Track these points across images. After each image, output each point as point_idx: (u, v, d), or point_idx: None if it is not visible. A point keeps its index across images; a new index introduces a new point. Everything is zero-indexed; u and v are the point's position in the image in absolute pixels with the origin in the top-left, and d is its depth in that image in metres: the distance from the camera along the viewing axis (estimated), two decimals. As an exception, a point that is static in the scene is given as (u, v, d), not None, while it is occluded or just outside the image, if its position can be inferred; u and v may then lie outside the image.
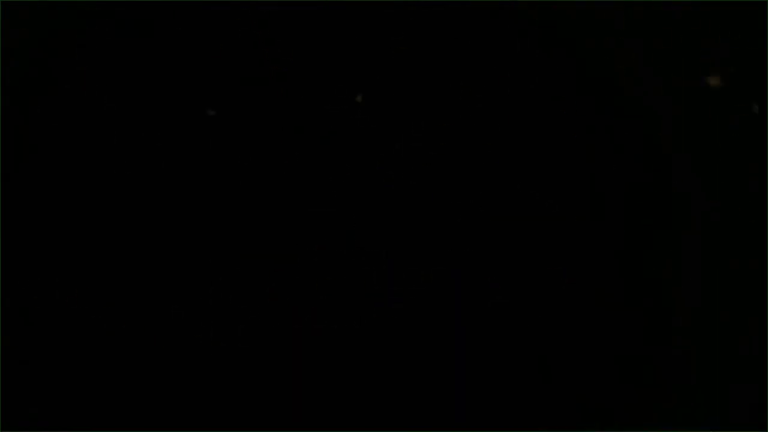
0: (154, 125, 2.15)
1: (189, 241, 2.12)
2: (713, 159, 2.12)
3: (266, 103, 2.17)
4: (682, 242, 2.12)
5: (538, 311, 2.11)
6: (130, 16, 2.16)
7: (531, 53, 2.19)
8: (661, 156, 2.15)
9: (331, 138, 2.16)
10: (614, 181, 2.15)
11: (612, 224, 2.14)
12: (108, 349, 2.07)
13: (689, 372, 2.07)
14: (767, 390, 2.02)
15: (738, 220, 2.10)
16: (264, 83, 2.18)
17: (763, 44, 2.12)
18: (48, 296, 2.08)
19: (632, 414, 2.07)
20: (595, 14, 2.16)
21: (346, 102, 2.17)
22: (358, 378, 2.09)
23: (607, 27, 2.17)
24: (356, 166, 2.16)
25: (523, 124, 2.17)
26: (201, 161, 2.15)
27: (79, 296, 2.09)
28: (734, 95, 2.13)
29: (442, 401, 2.09)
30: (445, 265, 2.13)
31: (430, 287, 2.12)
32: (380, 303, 2.11)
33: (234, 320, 2.10)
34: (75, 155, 2.13)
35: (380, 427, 2.07)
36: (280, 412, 2.07)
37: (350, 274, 2.12)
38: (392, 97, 2.18)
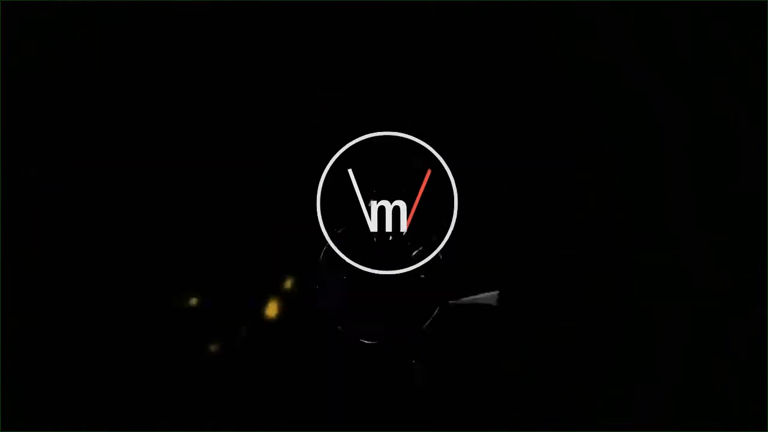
0: (152, 124, 2.15)
1: (186, 239, 2.13)
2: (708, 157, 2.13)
3: (262, 101, 2.18)
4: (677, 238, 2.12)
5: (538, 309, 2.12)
6: (128, 16, 2.17)
7: (531, 53, 2.20)
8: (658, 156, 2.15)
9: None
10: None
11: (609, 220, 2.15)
12: (108, 349, 2.08)
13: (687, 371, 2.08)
14: (767, 390, 2.02)
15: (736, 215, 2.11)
16: (260, 81, 2.18)
17: (763, 44, 2.13)
18: (47, 296, 2.09)
19: (631, 412, 2.08)
20: (598, 14, 2.17)
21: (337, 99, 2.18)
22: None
23: (608, 27, 2.18)
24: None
25: (521, 120, 2.18)
26: (199, 160, 2.15)
27: (78, 295, 2.09)
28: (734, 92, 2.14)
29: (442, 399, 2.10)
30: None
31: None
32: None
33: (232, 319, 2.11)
34: (74, 154, 2.14)
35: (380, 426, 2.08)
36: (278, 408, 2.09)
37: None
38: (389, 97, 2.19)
